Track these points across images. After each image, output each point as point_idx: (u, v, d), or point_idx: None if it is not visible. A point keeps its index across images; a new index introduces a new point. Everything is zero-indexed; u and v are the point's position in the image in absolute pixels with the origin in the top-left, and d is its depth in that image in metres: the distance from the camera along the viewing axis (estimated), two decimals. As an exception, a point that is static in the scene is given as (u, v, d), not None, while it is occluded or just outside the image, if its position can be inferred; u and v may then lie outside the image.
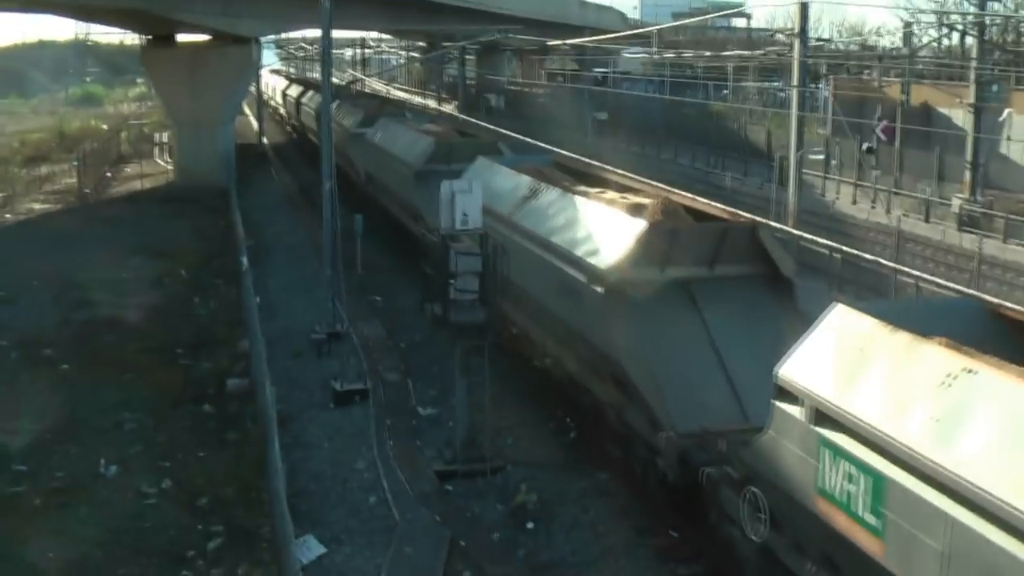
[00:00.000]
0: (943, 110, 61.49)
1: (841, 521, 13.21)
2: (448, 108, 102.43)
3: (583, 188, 26.84)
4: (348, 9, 59.84)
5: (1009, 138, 55.27)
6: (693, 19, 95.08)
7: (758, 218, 23.28)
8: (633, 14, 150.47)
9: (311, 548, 18.62)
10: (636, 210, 22.80)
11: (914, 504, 11.89)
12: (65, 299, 35.65)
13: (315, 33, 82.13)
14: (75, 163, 62.30)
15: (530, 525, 20.02)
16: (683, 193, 25.53)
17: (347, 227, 34.88)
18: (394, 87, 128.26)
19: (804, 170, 42.04)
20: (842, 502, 13.19)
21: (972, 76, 51.79)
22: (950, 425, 11.69)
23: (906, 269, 27.23)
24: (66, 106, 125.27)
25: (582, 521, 20.14)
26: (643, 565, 18.58)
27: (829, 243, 25.93)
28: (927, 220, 49.96)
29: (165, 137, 75.27)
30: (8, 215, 53.41)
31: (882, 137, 57.97)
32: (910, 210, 51.42)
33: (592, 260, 21.58)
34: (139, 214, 52.46)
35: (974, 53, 53.12)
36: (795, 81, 36.70)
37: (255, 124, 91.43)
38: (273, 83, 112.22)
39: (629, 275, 20.79)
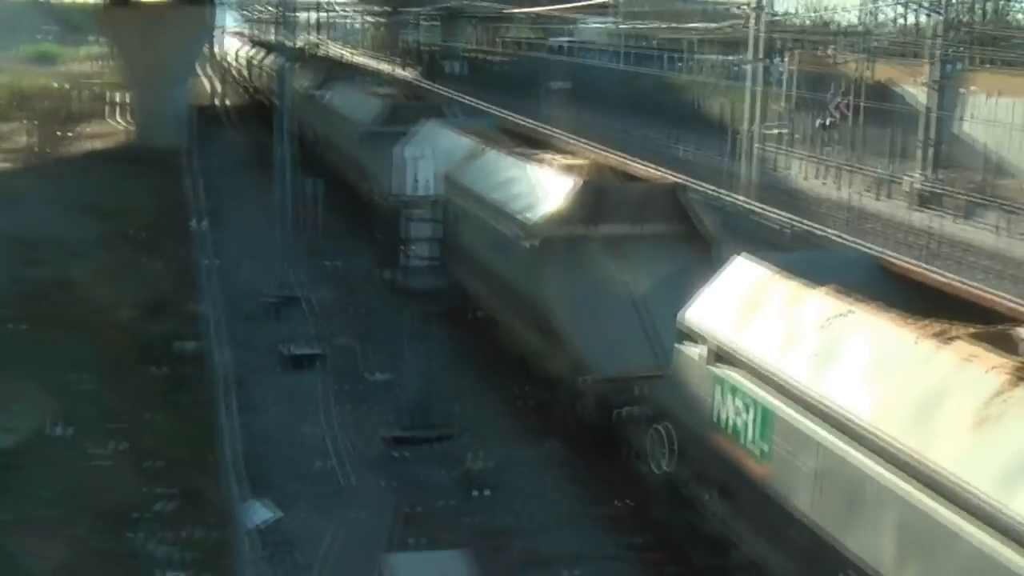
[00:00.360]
0: (902, 88, 61.68)
1: (734, 451, 14.59)
2: (409, 73, 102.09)
3: (521, 150, 28.47)
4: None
5: (967, 117, 55.52)
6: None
7: (680, 179, 25.77)
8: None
9: (258, 512, 18.56)
10: (568, 170, 24.38)
11: (793, 432, 13.16)
12: (16, 258, 35.32)
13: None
14: (30, 121, 61.72)
15: (479, 493, 20.03)
16: (616, 155, 28.86)
17: (305, 191, 34.69)
18: (355, 52, 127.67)
19: (762, 145, 42.12)
20: (735, 434, 14.56)
21: (933, 54, 51.99)
22: (826, 360, 13.07)
23: (805, 222, 28.28)
24: (21, 64, 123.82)
25: (532, 489, 20.17)
26: (593, 535, 18.62)
27: (747, 202, 26.82)
28: (880, 198, 50.19)
29: (120, 97, 74.61)
30: (-40, 173, 52.92)
31: (836, 114, 58.13)
32: (867, 187, 51.65)
33: (525, 216, 22.97)
34: (93, 174, 52.01)
35: (935, 31, 53.27)
36: (751, 54, 36.77)
37: (208, 85, 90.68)
38: (233, 46, 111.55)
39: (559, 231, 22.38)
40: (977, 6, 78.39)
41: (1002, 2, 79.51)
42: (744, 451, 14.32)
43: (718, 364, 15.10)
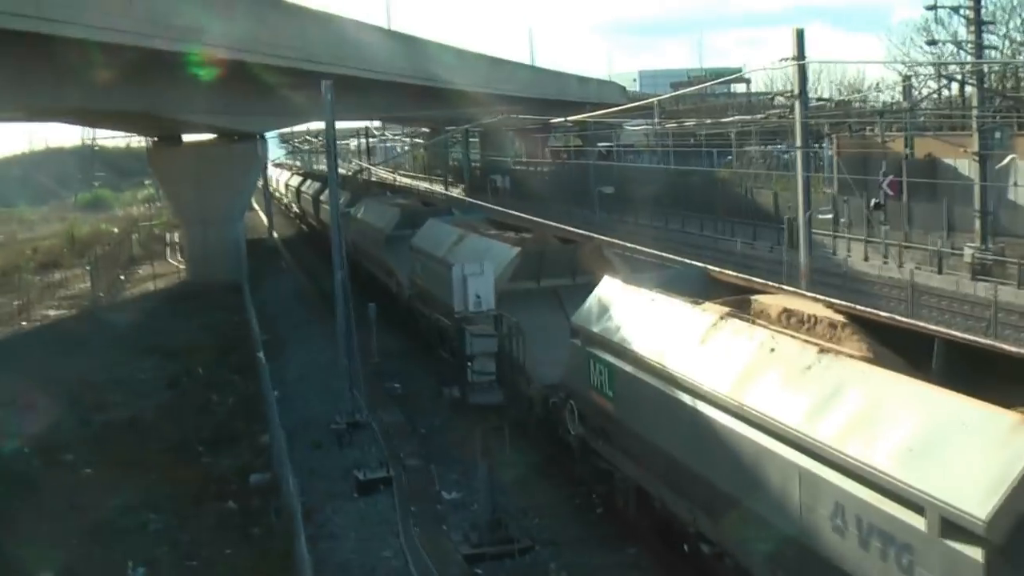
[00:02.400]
0: (948, 161, 61.56)
1: (598, 400, 22.01)
2: (455, 192, 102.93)
3: (494, 231, 37.27)
4: (350, 99, 60.36)
5: (1016, 184, 55.34)
6: (692, 87, 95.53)
7: (603, 238, 33.53)
8: (632, 87, 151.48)
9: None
10: (518, 241, 32.98)
11: (624, 377, 20.61)
12: (83, 403, 35.67)
13: (318, 125, 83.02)
14: (87, 267, 62.56)
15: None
16: (562, 226, 37.78)
17: (360, 314, 34.90)
18: (400, 174, 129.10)
19: (813, 230, 42.06)
20: (598, 388, 21.94)
21: (974, 125, 51.93)
22: (645, 330, 20.46)
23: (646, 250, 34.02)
24: (76, 211, 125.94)
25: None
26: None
27: (650, 251, 33.43)
28: (940, 271, 49.94)
29: (176, 237, 75.60)
30: (24, 322, 53.56)
31: (889, 192, 58.01)
32: (922, 263, 51.41)
33: None
34: (153, 315, 52.62)
35: (974, 102, 53.26)
36: (798, 142, 36.78)
37: (264, 218, 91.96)
38: (277, 176, 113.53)
39: (510, 286, 29.16)
40: (1016, 71, 78.53)
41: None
42: (603, 397, 21.69)
43: (589, 346, 22.38)
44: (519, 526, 22.50)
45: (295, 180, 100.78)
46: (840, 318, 17.62)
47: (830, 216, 59.94)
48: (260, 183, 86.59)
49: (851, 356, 15.36)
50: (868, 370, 14.54)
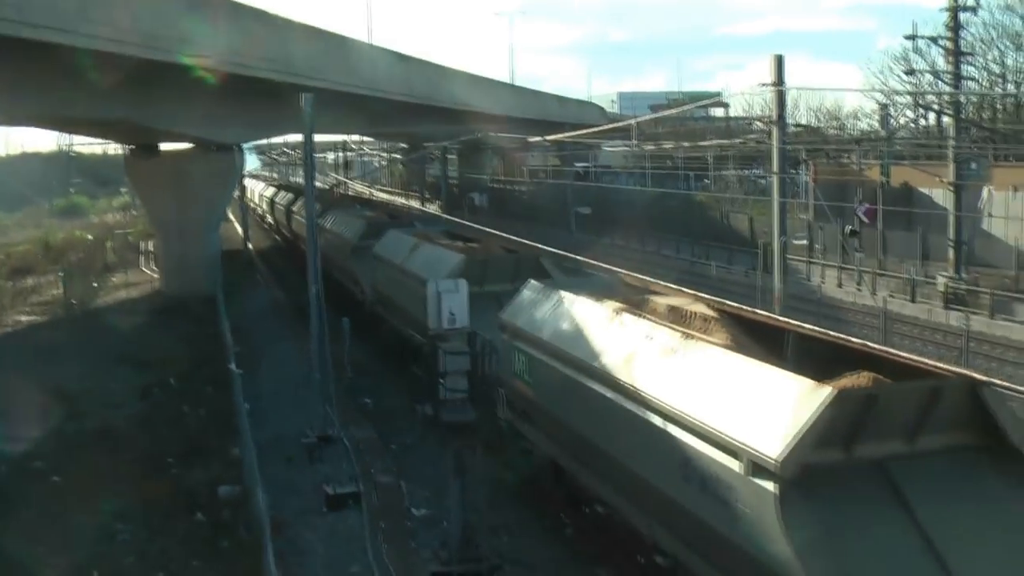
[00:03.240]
0: (924, 190, 61.91)
1: (520, 386, 24.80)
2: (432, 208, 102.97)
3: (446, 241, 40.95)
4: (329, 113, 60.33)
5: (990, 214, 55.68)
6: (671, 110, 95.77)
7: (544, 248, 36.76)
8: (611, 108, 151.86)
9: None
10: (465, 250, 37.15)
11: (539, 365, 23.57)
12: (53, 411, 35.52)
13: (296, 137, 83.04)
14: (61, 274, 62.33)
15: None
16: (512, 238, 41.82)
17: (334, 328, 34.86)
18: (377, 188, 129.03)
19: (788, 256, 42.23)
20: (520, 376, 24.70)
21: (950, 155, 52.25)
22: (556, 324, 23.81)
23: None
24: (51, 217, 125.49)
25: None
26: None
27: (580, 259, 36.13)
28: (913, 300, 50.18)
29: (151, 246, 75.46)
30: (-6, 328, 53.38)
31: (864, 220, 58.31)
32: (896, 290, 51.66)
33: (427, 276, 32.47)
34: (126, 324, 52.42)
35: (951, 132, 53.58)
36: (775, 167, 36.91)
37: (240, 229, 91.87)
38: (253, 187, 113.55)
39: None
40: (993, 103, 79.04)
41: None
42: (524, 384, 24.39)
43: (514, 340, 25.29)
44: (489, 544, 22.48)
45: (269, 191, 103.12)
46: (713, 313, 21.48)
47: (805, 242, 60.20)
48: (236, 194, 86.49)
49: (707, 342, 18.89)
50: (715, 351, 18.21)
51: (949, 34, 51.31)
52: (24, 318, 56.32)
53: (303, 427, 31.55)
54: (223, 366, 38.62)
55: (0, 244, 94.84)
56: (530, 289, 26.71)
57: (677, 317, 21.42)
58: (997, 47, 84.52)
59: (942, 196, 55.25)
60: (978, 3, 51.84)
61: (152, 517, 25.91)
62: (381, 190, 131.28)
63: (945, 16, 51.17)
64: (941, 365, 17.23)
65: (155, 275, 68.21)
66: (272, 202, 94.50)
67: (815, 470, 14.51)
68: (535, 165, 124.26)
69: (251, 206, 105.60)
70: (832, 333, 19.81)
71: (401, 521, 25.14)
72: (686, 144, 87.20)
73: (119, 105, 48.26)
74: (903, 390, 15.82)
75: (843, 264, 56.98)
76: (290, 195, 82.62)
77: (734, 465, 15.41)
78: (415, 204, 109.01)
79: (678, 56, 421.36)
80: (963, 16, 51.48)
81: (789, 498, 14.41)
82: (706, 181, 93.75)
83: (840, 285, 56.04)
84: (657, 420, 17.96)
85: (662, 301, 22.91)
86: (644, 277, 27.29)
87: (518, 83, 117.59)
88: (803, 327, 20.24)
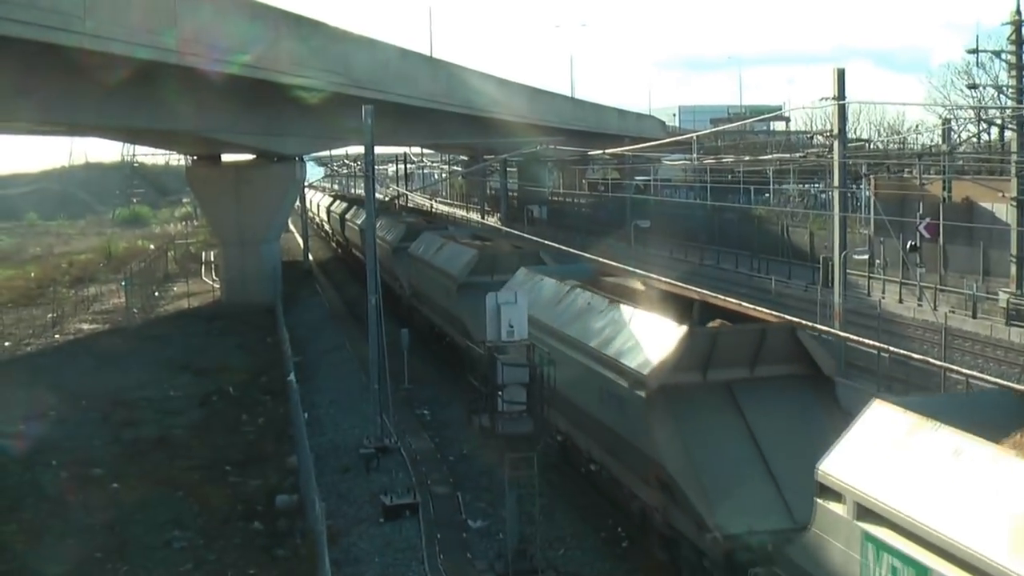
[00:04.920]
0: (985, 205, 61.31)
1: None
2: (491, 220, 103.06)
3: (468, 241, 45.84)
4: (390, 125, 60.61)
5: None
6: (732, 124, 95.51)
7: (546, 243, 36.88)
8: (671, 121, 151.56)
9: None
10: (482, 247, 42.50)
11: None
12: (114, 418, 35.85)
13: (358, 149, 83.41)
14: (123, 283, 62.89)
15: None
16: (520, 235, 48.27)
17: (393, 341, 34.95)
18: (437, 201, 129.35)
19: (848, 270, 41.96)
20: None
21: (1013, 170, 51.73)
22: (534, 300, 26.22)
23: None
24: (113, 227, 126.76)
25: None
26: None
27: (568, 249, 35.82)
28: (974, 316, 49.71)
29: (212, 256, 75.98)
30: (57, 335, 53.89)
31: (925, 235, 57.82)
32: (957, 306, 51.19)
33: (449, 269, 40.98)
34: (186, 333, 52.84)
35: (1014, 146, 53.05)
36: (836, 182, 36.71)
37: (300, 240, 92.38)
38: (316, 199, 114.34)
39: (469, 279, 38.78)
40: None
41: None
42: None
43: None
44: (544, 556, 22.44)
45: (327, 201, 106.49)
46: (644, 287, 28.44)
47: (865, 257, 59.74)
48: (297, 204, 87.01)
49: (623, 303, 25.22)
50: (626, 308, 24.59)
51: (1012, 47, 50.85)
52: (86, 326, 56.87)
53: (360, 437, 31.67)
54: (281, 375, 38.86)
55: (63, 253, 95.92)
56: (520, 274, 33.20)
57: (620, 291, 27.92)
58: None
59: (1005, 211, 54.71)
60: (1042, 16, 51.31)
61: (209, 525, 26.08)
62: (441, 202, 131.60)
63: (1008, 30, 50.75)
64: (775, 314, 23.43)
65: (216, 285, 68.68)
66: (329, 211, 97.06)
67: (677, 386, 21.05)
68: (594, 178, 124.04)
69: (311, 216, 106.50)
70: (723, 297, 25.41)
71: (457, 532, 25.15)
72: (746, 158, 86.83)
73: (181, 116, 48.65)
74: (738, 330, 22.34)
75: (904, 279, 56.49)
76: (344, 204, 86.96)
77: (625, 383, 21.93)
78: (475, 216, 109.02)
79: (739, 68, 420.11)
80: (1027, 30, 51.00)
81: (654, 403, 20.86)
82: (766, 195, 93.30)
83: (901, 300, 55.59)
84: (590, 362, 24.03)
85: (614, 280, 30.02)
86: (617, 264, 30.99)
87: (578, 96, 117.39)
88: (707, 295, 26.11)
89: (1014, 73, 51.50)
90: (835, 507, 15.14)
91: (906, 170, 73.47)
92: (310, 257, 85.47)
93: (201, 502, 27.53)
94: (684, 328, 21.37)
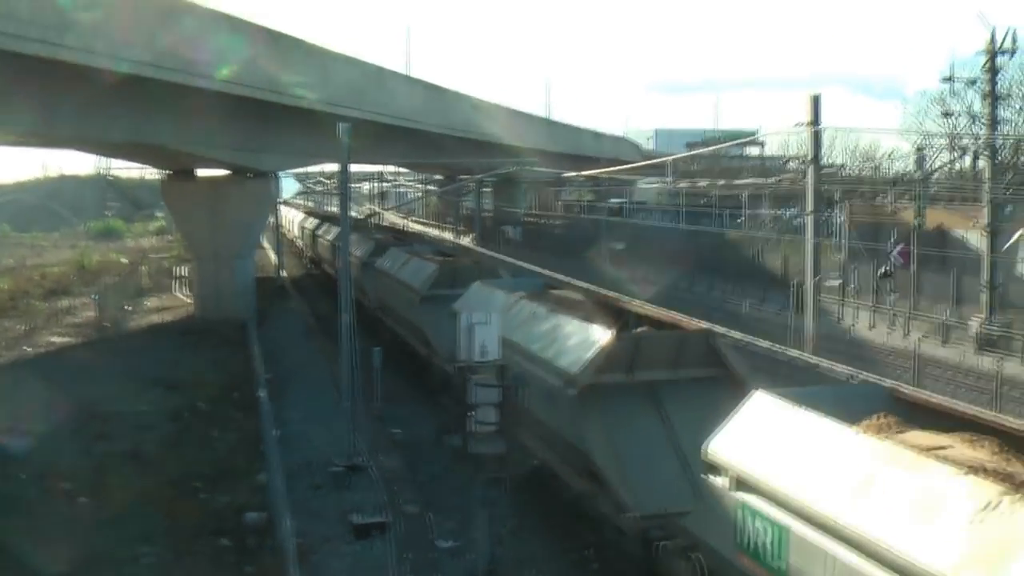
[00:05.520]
0: (958, 232, 61.68)
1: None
2: (466, 240, 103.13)
3: (431, 256, 49.04)
4: (365, 143, 60.61)
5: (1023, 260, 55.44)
6: (707, 148, 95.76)
7: (503, 258, 42.83)
8: (647, 144, 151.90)
9: None
10: (442, 262, 45.21)
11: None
12: (84, 432, 35.66)
13: (333, 167, 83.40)
14: (95, 297, 62.63)
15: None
16: (481, 251, 52.39)
17: (365, 359, 34.91)
18: (412, 220, 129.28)
19: (821, 296, 42.13)
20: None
21: (986, 198, 52.07)
22: (482, 306, 29.66)
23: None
24: (87, 240, 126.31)
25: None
26: None
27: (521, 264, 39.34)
28: (946, 342, 49.96)
29: (185, 271, 75.78)
30: (28, 348, 53.58)
31: (898, 261, 58.10)
32: (928, 333, 51.43)
33: (412, 282, 44.55)
34: (159, 347, 52.64)
35: (987, 175, 53.41)
36: (809, 207, 36.87)
37: (273, 257, 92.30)
38: (289, 216, 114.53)
39: (430, 292, 42.03)
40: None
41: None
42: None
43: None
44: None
45: (299, 217, 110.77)
46: (581, 298, 31.92)
47: (838, 282, 60.00)
48: (271, 220, 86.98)
49: (561, 312, 28.14)
50: (562, 317, 27.55)
51: (986, 77, 51.19)
52: (58, 339, 56.57)
53: (331, 454, 31.62)
54: (253, 391, 38.76)
55: (36, 265, 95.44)
56: (475, 287, 36.21)
57: (561, 301, 30.73)
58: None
59: (977, 239, 55.04)
60: (1015, 46, 51.69)
61: (178, 540, 25.95)
62: (416, 221, 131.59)
63: (982, 59, 51.09)
64: (694, 321, 27.78)
65: (189, 300, 68.46)
66: (302, 227, 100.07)
67: (605, 385, 23.79)
68: (570, 200, 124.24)
69: (284, 232, 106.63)
70: (654, 307, 29.82)
71: (427, 552, 25.14)
72: (721, 182, 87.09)
73: (156, 130, 48.59)
74: (660, 336, 25.62)
75: (876, 305, 56.76)
76: (316, 221, 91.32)
77: (559, 383, 24.26)
78: (448, 236, 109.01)
79: (716, 92, 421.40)
80: (1000, 59, 51.39)
81: (583, 400, 23.54)
82: (739, 220, 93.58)
83: (872, 326, 55.84)
84: (531, 365, 25.70)
85: (560, 293, 33.39)
86: (567, 279, 34.79)
87: (554, 117, 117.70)
88: (644, 306, 30.04)
89: (987, 102, 51.86)
90: (718, 481, 17.78)
91: (880, 197, 73.82)
92: (283, 273, 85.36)
93: (171, 517, 27.37)
94: (610, 333, 24.32)
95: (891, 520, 13.57)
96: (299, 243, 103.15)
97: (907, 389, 20.20)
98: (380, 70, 66.32)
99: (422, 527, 26.78)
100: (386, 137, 69.41)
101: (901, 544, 13.17)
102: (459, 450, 21.89)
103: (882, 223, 65.46)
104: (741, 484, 17.00)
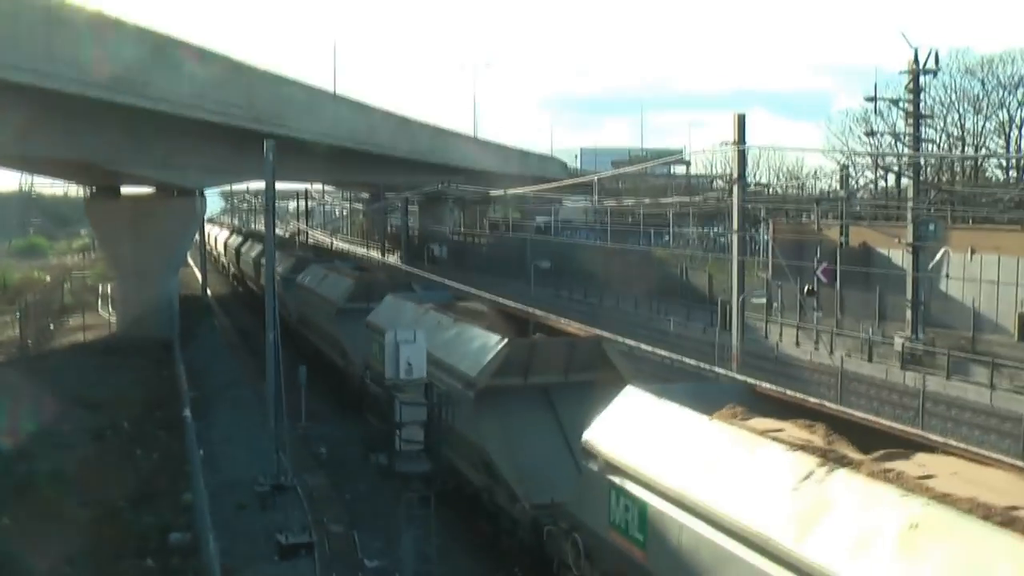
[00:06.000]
0: (882, 250, 62.32)
1: (375, 363, 26.84)
2: (392, 258, 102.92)
3: (348, 271, 52.89)
4: (291, 161, 60.33)
5: (947, 276, 56.09)
6: (632, 167, 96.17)
7: (414, 271, 46.52)
8: (573, 163, 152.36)
9: None
10: (357, 276, 48.75)
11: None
12: (4, 452, 35.12)
13: (258, 185, 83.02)
14: (16, 315, 61.84)
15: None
16: (397, 267, 58.93)
17: (290, 376, 34.71)
18: (338, 238, 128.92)
19: (746, 313, 42.42)
20: (375, 356, 26.23)
21: (909, 216, 52.64)
22: (392, 317, 34.35)
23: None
24: (9, 257, 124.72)
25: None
26: None
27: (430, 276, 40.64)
28: (870, 359, 50.41)
29: (109, 288, 74.98)
30: (-53, 368, 52.78)
31: (822, 279, 58.60)
32: (853, 350, 51.87)
33: (330, 296, 47.01)
34: (81, 366, 51.96)
35: (910, 193, 54.01)
36: (735, 225, 37.13)
37: (198, 274, 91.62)
38: (210, 231, 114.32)
39: (347, 305, 44.37)
40: (952, 165, 79.84)
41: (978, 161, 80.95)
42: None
43: (373, 333, 28.43)
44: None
45: (224, 234, 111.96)
46: (486, 309, 34.22)
47: (763, 300, 60.42)
48: (196, 239, 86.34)
49: (465, 322, 30.33)
50: (465, 326, 29.61)
51: (909, 96, 51.81)
52: (-24, 358, 55.78)
53: (256, 474, 31.35)
54: (177, 410, 38.39)
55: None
56: (387, 300, 38.48)
57: (468, 312, 33.02)
58: (956, 110, 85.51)
59: (901, 257, 55.63)
60: (938, 66, 52.39)
61: (101, 561, 25.62)
62: (342, 239, 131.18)
63: (905, 78, 51.71)
64: (585, 328, 30.56)
65: (112, 318, 67.70)
66: (226, 245, 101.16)
67: (501, 387, 25.60)
68: (496, 218, 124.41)
69: (209, 250, 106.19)
70: (554, 317, 32.52)
71: (353, 572, 25.02)
72: (646, 200, 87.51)
73: (78, 146, 48.07)
74: (552, 342, 27.85)
75: (801, 323, 57.19)
76: (240, 238, 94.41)
77: (460, 386, 25.81)
78: (375, 254, 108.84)
79: (641, 112, 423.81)
80: (923, 79, 52.04)
81: (480, 402, 25.43)
82: (666, 238, 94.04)
83: (798, 344, 56.24)
84: (436, 370, 25.41)
85: (465, 304, 35.99)
86: (469, 289, 37.80)
87: (481, 135, 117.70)
88: (542, 315, 33.06)
89: (911, 121, 52.48)
90: (592, 465, 19.80)
91: (804, 215, 74.51)
92: (208, 292, 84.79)
93: (93, 538, 27.04)
94: (505, 340, 26.43)
95: (731, 492, 15.46)
96: (223, 259, 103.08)
97: (763, 385, 22.68)
98: (306, 87, 66.14)
99: (349, 546, 26.62)
100: (312, 155, 69.12)
101: (737, 512, 15.03)
102: (385, 468, 21.78)
103: (807, 241, 66.02)
104: (611, 468, 18.91)
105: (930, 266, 53.47)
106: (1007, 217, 65.38)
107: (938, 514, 12.29)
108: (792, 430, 16.98)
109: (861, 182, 77.59)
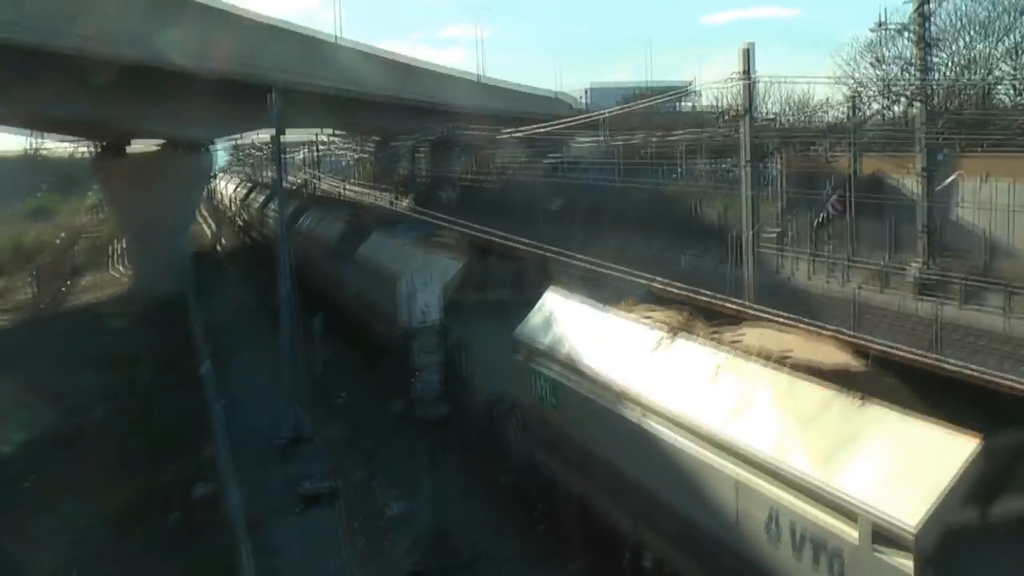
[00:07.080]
0: (894, 179, 61.96)
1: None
2: (402, 204, 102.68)
3: (341, 214, 55.50)
4: (298, 109, 60.14)
5: (960, 202, 55.78)
6: (640, 102, 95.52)
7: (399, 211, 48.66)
8: (581, 102, 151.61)
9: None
10: (349, 220, 51.69)
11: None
12: (24, 414, 35.30)
13: (265, 136, 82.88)
14: (30, 277, 61.93)
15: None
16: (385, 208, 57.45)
17: (305, 326, 34.74)
18: (348, 185, 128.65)
19: (759, 246, 42.26)
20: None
21: (919, 144, 52.29)
22: (379, 250, 39.69)
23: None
24: (23, 219, 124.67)
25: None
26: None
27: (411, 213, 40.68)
28: (884, 289, 50.24)
29: (120, 247, 75.13)
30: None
31: (835, 210, 58.30)
32: (867, 280, 51.68)
33: (326, 238, 51.59)
34: (96, 325, 52.13)
35: (920, 121, 53.56)
36: (744, 158, 36.94)
37: (208, 231, 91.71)
38: (224, 185, 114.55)
39: (338, 247, 46.96)
40: (961, 91, 79.20)
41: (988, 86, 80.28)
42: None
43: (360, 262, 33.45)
44: (463, 539, 22.40)
45: (231, 186, 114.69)
46: (457, 240, 35.91)
47: (776, 233, 60.16)
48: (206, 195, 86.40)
49: (433, 251, 33.95)
50: (432, 253, 32.91)
51: (917, 23, 51.31)
52: (-7, 320, 55.99)
53: (275, 426, 31.44)
54: (193, 366, 38.48)
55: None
56: (373, 236, 43.25)
57: (439, 243, 35.94)
58: (965, 37, 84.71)
59: (913, 185, 55.27)
60: (945, -9, 51.86)
61: (127, 518, 25.77)
62: (352, 187, 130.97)
63: (912, 5, 51.16)
64: (538, 252, 31.23)
65: (124, 277, 67.79)
66: (232, 197, 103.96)
67: (463, 302, 28.57)
68: (505, 160, 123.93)
69: (218, 204, 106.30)
70: (515, 243, 32.91)
71: (375, 518, 25.05)
72: (655, 137, 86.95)
73: (87, 104, 48.00)
74: (505, 264, 31.37)
75: (814, 254, 56.93)
76: (246, 189, 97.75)
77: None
78: (378, 199, 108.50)
79: (648, 48, 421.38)
80: (931, 5, 51.53)
81: (447, 314, 27.89)
82: (674, 176, 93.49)
83: (811, 276, 56.03)
84: None
85: (440, 238, 37.81)
86: (451, 225, 39.29)
87: (487, 78, 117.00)
88: (505, 243, 33.54)
89: (919, 48, 52.01)
90: (518, 356, 23.93)
91: (814, 146, 74.08)
92: (219, 248, 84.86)
93: (118, 496, 27.19)
94: (464, 260, 30.88)
95: (610, 361, 20.26)
96: (231, 211, 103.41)
97: (659, 285, 25.60)
98: (310, 37, 65.93)
99: (370, 494, 26.67)
100: (320, 103, 68.86)
101: (613, 375, 19.81)
102: (404, 415, 21.83)
103: (818, 172, 65.58)
104: (531, 355, 23.40)
105: (939, 188, 53.05)
106: (1021, 141, 64.84)
107: (734, 360, 17.54)
108: (663, 314, 20.78)
109: (870, 111, 76.81)
